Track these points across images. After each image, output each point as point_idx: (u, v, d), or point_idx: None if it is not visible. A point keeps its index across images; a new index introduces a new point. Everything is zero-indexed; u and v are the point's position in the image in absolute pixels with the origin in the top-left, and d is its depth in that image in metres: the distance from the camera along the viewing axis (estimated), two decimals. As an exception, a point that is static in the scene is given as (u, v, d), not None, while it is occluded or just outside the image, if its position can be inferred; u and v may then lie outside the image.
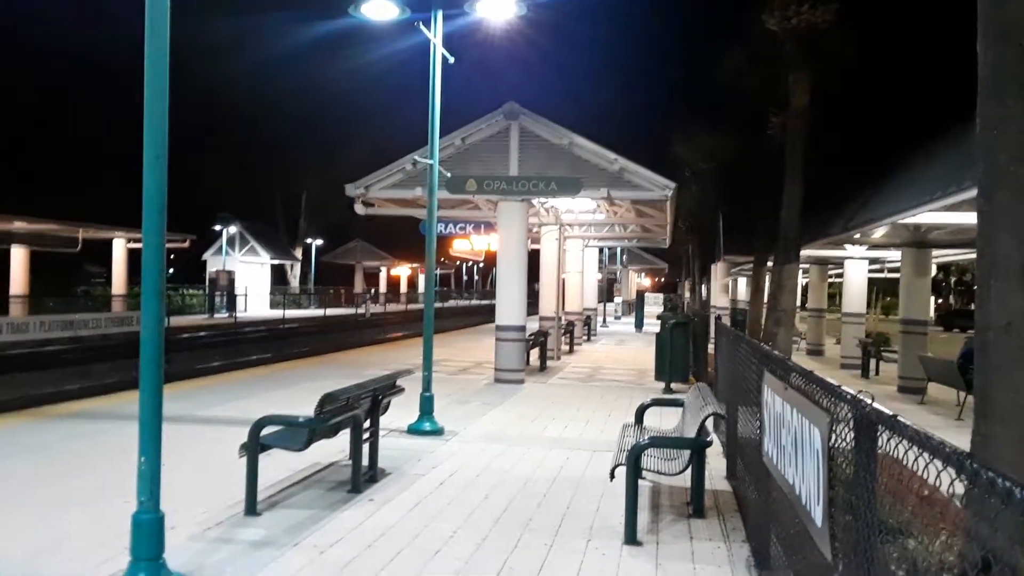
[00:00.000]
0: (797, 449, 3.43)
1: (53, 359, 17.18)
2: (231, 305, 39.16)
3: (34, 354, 17.76)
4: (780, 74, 14.38)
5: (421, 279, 78.14)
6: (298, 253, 54.53)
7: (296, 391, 12.28)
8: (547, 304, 19.40)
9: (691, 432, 5.79)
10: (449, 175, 12.16)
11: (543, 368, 16.62)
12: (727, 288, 27.33)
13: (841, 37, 13.94)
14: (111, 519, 5.54)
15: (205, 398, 11.39)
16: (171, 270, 59.46)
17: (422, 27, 9.18)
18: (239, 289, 40.61)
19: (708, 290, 32.56)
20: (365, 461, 6.71)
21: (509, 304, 14.17)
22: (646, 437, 5.69)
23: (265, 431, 5.89)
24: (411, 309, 57.53)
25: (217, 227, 42.37)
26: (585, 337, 25.78)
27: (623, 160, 13.84)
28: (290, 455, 6.86)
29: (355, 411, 6.38)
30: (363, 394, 6.72)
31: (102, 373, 17.87)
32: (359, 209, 15.07)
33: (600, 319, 34.53)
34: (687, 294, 57.31)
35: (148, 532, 4.14)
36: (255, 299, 43.59)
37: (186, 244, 34.88)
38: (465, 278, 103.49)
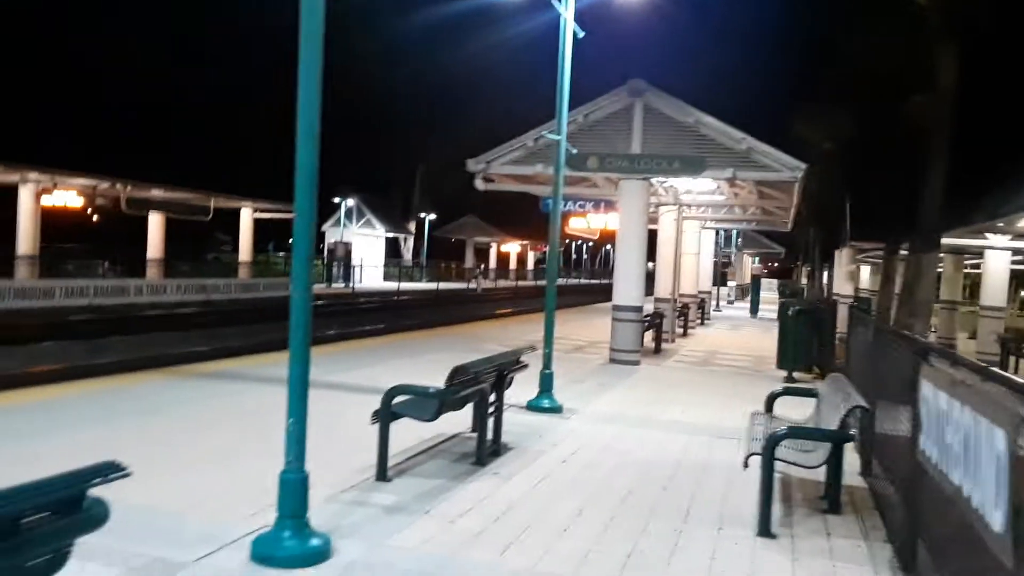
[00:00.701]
0: (968, 449, 3.21)
1: (187, 320, 18.18)
2: (347, 276, 40.44)
3: (170, 315, 18.85)
4: (922, 51, 13.56)
5: (531, 256, 78.55)
6: (411, 227, 55.63)
7: (416, 362, 12.53)
8: (663, 285, 19.08)
9: (831, 424, 5.56)
10: (575, 151, 12.03)
11: (658, 350, 16.39)
12: (852, 275, 26.22)
13: (991, 10, 13.01)
14: (250, 476, 5.78)
15: (331, 364, 11.75)
16: (290, 240, 61.78)
17: (553, 1, 9.08)
18: (355, 260, 41.87)
19: (830, 277, 31.29)
20: (489, 435, 6.77)
21: (627, 284, 14.01)
22: (783, 427, 5.50)
23: (396, 400, 6.01)
24: (521, 286, 57.92)
25: (336, 199, 43.67)
26: (699, 321, 25.28)
27: (751, 139, 13.37)
28: (415, 424, 6.99)
29: (482, 385, 6.43)
30: (489, 368, 6.77)
31: (231, 336, 18.80)
32: (479, 184, 15.16)
33: (713, 303, 33.79)
34: (804, 280, 55.36)
35: (294, 491, 4.28)
36: (369, 271, 44.80)
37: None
38: (574, 257, 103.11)
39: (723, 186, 18.08)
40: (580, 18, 10.25)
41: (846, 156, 22.22)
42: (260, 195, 33.34)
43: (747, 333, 23.79)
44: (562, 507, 5.55)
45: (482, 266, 67.33)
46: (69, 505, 2.62)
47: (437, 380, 10.37)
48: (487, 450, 6.64)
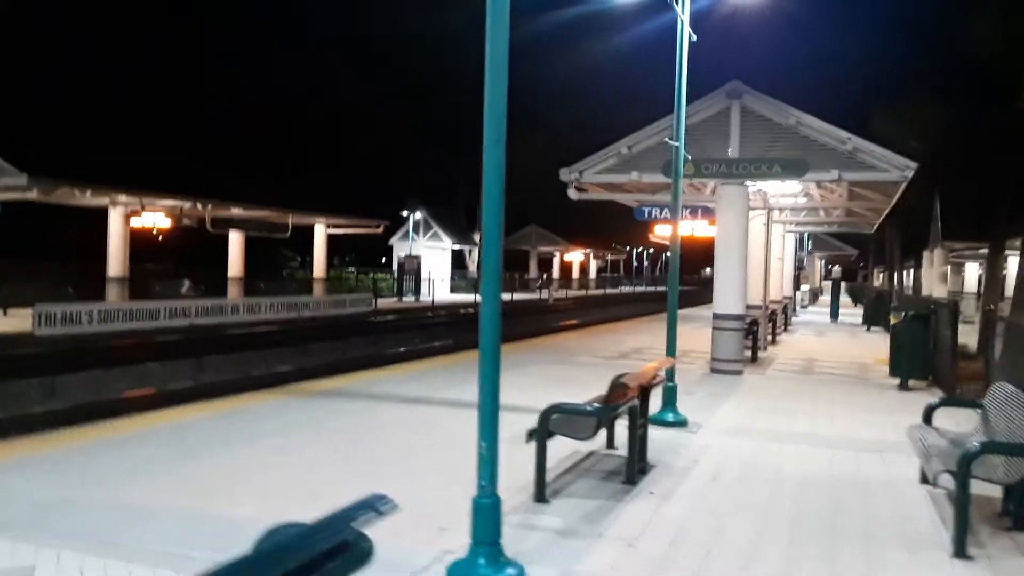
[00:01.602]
0: None
1: (284, 338, 18.52)
2: (417, 289, 40.67)
3: (267, 333, 19.24)
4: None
5: (593, 264, 78.13)
6: (476, 238, 55.77)
7: (519, 375, 12.41)
8: (754, 291, 18.61)
9: (1006, 436, 5.26)
10: (689, 157, 11.79)
11: (755, 359, 15.98)
12: (944, 276, 25.32)
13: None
14: (410, 498, 5.68)
15: (436, 380, 11.72)
16: (350, 255, 62.87)
17: (673, 2, 8.91)
18: (423, 273, 42.12)
19: (915, 277, 30.36)
20: (624, 451, 6.58)
21: (728, 292, 13.69)
22: (974, 442, 5.19)
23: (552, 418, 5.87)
24: (590, 295, 57.62)
25: (404, 213, 44.01)
26: (783, 327, 24.68)
27: (857, 139, 12.97)
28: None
29: (633, 401, 6.25)
30: (634, 384, 6.59)
31: (329, 352, 19.05)
32: (572, 194, 15.01)
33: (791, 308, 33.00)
34: (876, 281, 53.83)
35: (488, 517, 4.16)
36: (437, 283, 45.01)
37: (380, 229, 36.43)
38: (635, 264, 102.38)
39: (812, 188, 17.64)
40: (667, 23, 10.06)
41: (938, 154, 21.51)
42: (333, 211, 33.78)
43: (835, 339, 23.12)
44: (735, 529, 5.33)
45: (544, 275, 67.20)
46: (342, 543, 2.53)
47: (552, 393, 10.29)
48: (635, 468, 6.46)
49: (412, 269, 40.76)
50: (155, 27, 74.45)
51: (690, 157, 11.68)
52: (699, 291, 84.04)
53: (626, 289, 78.84)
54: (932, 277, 24.71)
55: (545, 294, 48.24)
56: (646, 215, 15.53)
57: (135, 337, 15.96)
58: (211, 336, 17.45)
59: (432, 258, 46.08)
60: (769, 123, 13.49)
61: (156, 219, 24.52)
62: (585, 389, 11.12)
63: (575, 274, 74.02)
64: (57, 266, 29.93)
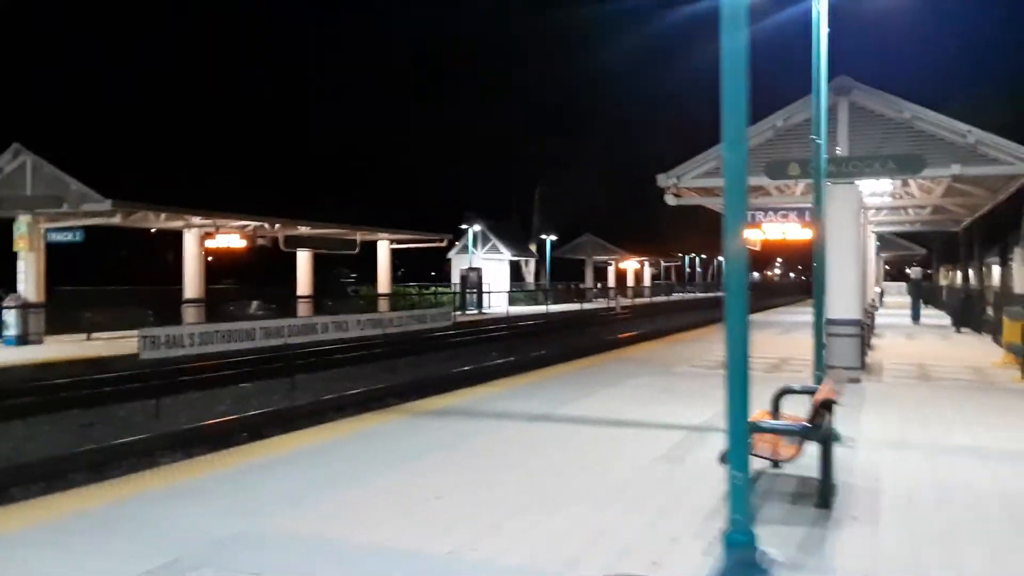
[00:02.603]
0: None
1: (376, 355, 18.48)
2: (479, 302, 40.42)
3: (359, 350, 19.26)
4: None
5: (647, 272, 77.27)
6: (533, 248, 55.51)
7: (630, 388, 12.04)
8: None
9: None
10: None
11: (862, 365, 15.28)
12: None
13: None
14: (594, 526, 5.29)
15: (548, 395, 11.34)
16: (401, 270, 62.99)
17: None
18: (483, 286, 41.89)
19: (1003, 276, 29.18)
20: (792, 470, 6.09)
21: (843, 295, 13.06)
22: None
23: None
24: (652, 302, 56.92)
25: (463, 226, 43.85)
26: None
27: (978, 131, 12.33)
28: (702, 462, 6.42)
29: (827, 417, 5.77)
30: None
31: (424, 367, 18.89)
32: (669, 200, 14.58)
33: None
34: (943, 280, 52.14)
35: (741, 555, 3.73)
36: (496, 296, 44.74)
37: (444, 243, 36.31)
38: (687, 271, 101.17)
39: (912, 186, 16.96)
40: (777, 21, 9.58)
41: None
42: (396, 225, 33.73)
43: (929, 342, 22.19)
44: (974, 560, 4.82)
45: (599, 284, 66.58)
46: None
47: (677, 407, 9.81)
48: (826, 490, 5.96)
49: (474, 282, 40.52)
50: (222, 48, 75.98)
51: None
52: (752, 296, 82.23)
53: (681, 296, 77.90)
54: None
55: (611, 303, 47.65)
56: (749, 219, 14.97)
57: (236, 357, 15.94)
58: (310, 354, 17.40)
59: (491, 270, 45.81)
60: (880, 118, 12.91)
61: (230, 240, 24.62)
62: (706, 402, 10.68)
63: (630, 281, 73.24)
64: (127, 289, 30.30)
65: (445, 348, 22.01)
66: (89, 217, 20.78)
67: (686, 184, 14.30)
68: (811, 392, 7.33)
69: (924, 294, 42.85)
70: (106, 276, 34.28)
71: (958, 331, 24.81)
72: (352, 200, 39.13)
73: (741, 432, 3.80)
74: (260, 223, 25.93)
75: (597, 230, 63.62)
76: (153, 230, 26.12)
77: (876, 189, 17.20)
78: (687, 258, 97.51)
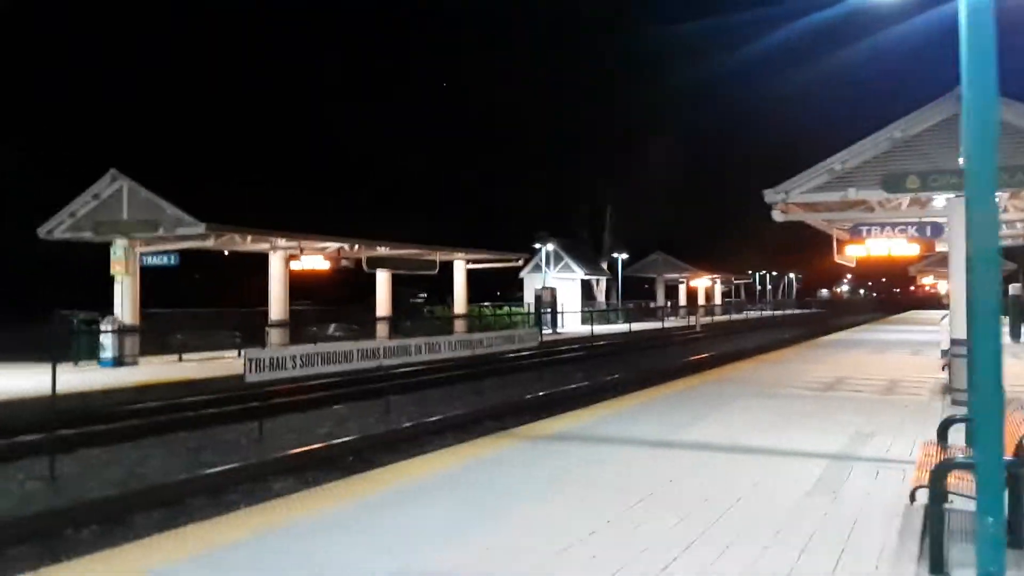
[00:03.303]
0: None
1: (473, 376, 18.42)
2: (554, 322, 40.07)
3: (457, 371, 19.26)
4: None
5: (718, 289, 76.01)
6: (605, 267, 55.01)
7: (732, 413, 11.57)
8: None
9: None
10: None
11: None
12: None
13: None
14: (762, 568, 4.87)
15: (658, 417, 10.97)
16: (437, 289, 63.15)
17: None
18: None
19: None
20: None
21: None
22: None
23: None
24: (728, 320, 55.82)
25: (536, 244, 43.63)
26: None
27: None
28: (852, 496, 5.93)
29: (1026, 451, 5.25)
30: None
31: (520, 388, 18.79)
32: (777, 216, 14.04)
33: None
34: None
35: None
36: (569, 315, 44.30)
37: (520, 263, 36.15)
38: (758, 288, 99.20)
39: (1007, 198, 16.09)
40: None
41: None
42: (470, 245, 33.67)
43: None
44: None
45: (669, 303, 65.59)
46: None
47: (793, 432, 9.22)
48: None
49: (548, 301, 40.22)
50: (294, 62, 77.82)
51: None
52: (815, 315, 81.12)
53: (753, 314, 76.31)
54: None
55: (690, 321, 46.93)
56: (863, 233, 14.36)
57: (340, 378, 15.99)
58: (408, 375, 17.37)
59: (563, 289, 45.45)
60: (1010, 127, 12.17)
61: (315, 262, 24.82)
62: (826, 427, 10.14)
63: (700, 300, 72.03)
64: (213, 311, 30.83)
65: (540, 368, 21.82)
66: (183, 240, 21.16)
67: (796, 199, 13.76)
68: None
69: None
70: (191, 298, 35.04)
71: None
72: (423, 220, 39.25)
73: (995, 472, 3.37)
74: (342, 244, 26.10)
75: (667, 248, 62.85)
76: (226, 252, 26.44)
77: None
78: (757, 275, 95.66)
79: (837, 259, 19.88)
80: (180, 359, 22.15)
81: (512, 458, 8.49)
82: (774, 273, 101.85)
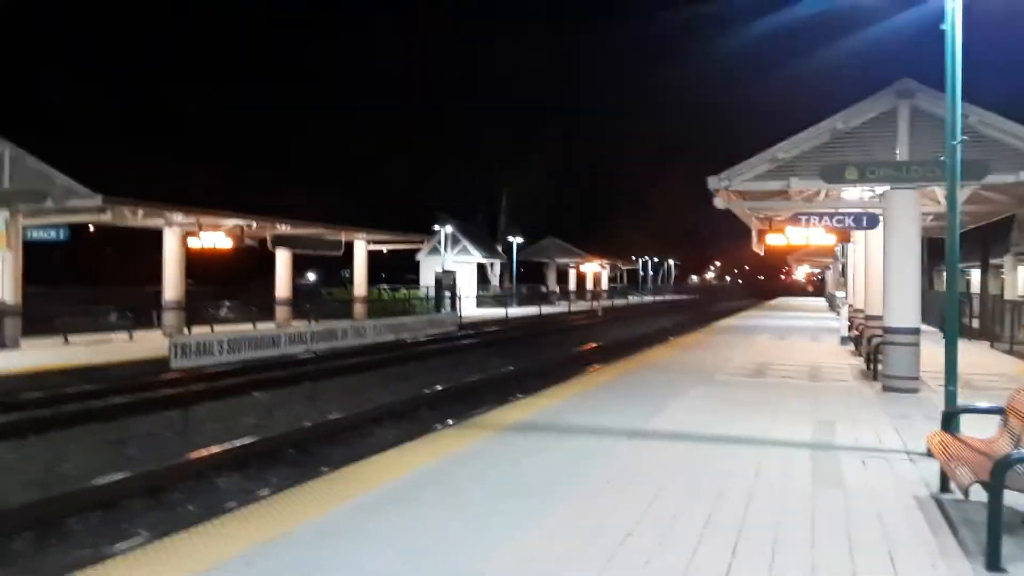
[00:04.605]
0: None
1: (410, 360, 17.72)
2: (453, 305, 39.60)
3: (391, 356, 18.42)
4: None
5: (604, 275, 77.44)
6: (500, 250, 54.91)
7: (689, 400, 11.55)
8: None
9: None
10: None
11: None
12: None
13: None
14: (812, 568, 4.71)
15: (613, 407, 10.77)
16: (349, 271, 61.77)
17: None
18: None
19: (982, 282, 29.75)
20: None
21: (902, 303, 12.77)
22: None
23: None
24: (620, 305, 56.80)
25: (436, 227, 42.99)
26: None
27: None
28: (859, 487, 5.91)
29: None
30: None
31: (458, 373, 18.21)
32: (718, 203, 14.11)
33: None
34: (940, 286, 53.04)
35: None
36: (465, 298, 44.00)
37: (422, 244, 35.44)
38: (641, 275, 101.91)
39: (937, 192, 16.85)
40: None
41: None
42: (372, 225, 32.67)
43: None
44: None
45: (560, 287, 66.29)
46: None
47: (746, 424, 9.39)
48: (1050, 520, 5.50)
49: (448, 284, 39.71)
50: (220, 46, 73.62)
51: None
52: (696, 300, 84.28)
53: (637, 299, 78.39)
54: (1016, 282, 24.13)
55: (592, 305, 47.56)
56: (802, 221, 14.60)
57: (271, 364, 14.98)
58: (340, 362, 16.47)
59: (461, 273, 45.06)
60: (943, 123, 12.60)
61: (216, 239, 23.39)
62: (785, 415, 10.24)
63: (589, 285, 73.20)
64: (100, 290, 28.74)
65: (468, 351, 21.38)
66: (75, 214, 19.41)
67: (738, 187, 13.85)
68: (988, 411, 6.96)
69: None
70: (66, 275, 32.50)
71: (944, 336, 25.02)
72: (329, 199, 37.77)
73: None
74: (245, 221, 24.71)
75: (558, 232, 63.45)
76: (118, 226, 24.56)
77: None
78: (640, 261, 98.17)
79: (755, 248, 20.36)
80: (66, 341, 20.46)
81: (491, 452, 8.03)
82: (656, 259, 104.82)
